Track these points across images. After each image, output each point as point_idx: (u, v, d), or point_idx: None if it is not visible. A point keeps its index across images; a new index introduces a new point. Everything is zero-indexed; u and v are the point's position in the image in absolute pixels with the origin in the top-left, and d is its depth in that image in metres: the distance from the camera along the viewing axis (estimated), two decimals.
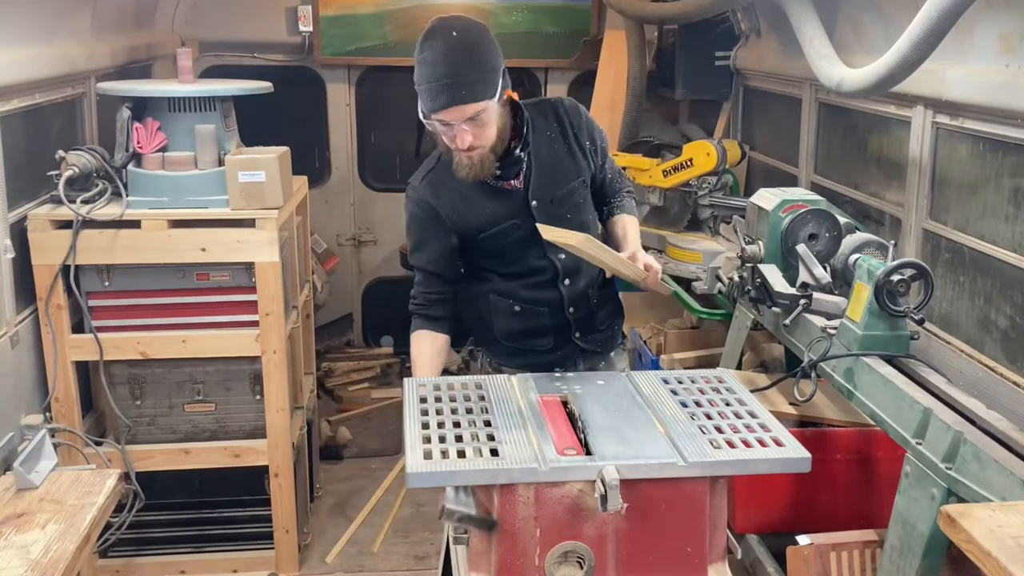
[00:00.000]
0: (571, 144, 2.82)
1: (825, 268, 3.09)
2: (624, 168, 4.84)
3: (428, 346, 2.79)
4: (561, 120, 2.81)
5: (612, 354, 3.02)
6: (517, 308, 2.84)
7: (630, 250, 2.75)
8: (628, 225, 2.90)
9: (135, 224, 3.51)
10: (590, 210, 2.90)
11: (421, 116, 2.54)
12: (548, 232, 2.56)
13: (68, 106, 3.93)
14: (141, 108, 3.64)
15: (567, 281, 2.82)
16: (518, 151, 2.71)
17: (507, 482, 2.08)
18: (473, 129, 2.50)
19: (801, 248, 3.12)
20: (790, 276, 3.14)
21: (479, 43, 2.54)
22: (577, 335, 2.89)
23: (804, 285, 3.02)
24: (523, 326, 2.86)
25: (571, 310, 2.85)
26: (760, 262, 3.26)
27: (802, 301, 2.97)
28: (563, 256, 2.76)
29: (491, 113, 2.53)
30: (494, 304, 2.86)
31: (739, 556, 2.39)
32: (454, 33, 2.49)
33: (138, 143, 3.59)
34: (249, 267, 3.62)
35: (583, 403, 2.44)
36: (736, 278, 3.45)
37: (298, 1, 5.63)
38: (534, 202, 2.74)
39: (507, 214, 2.74)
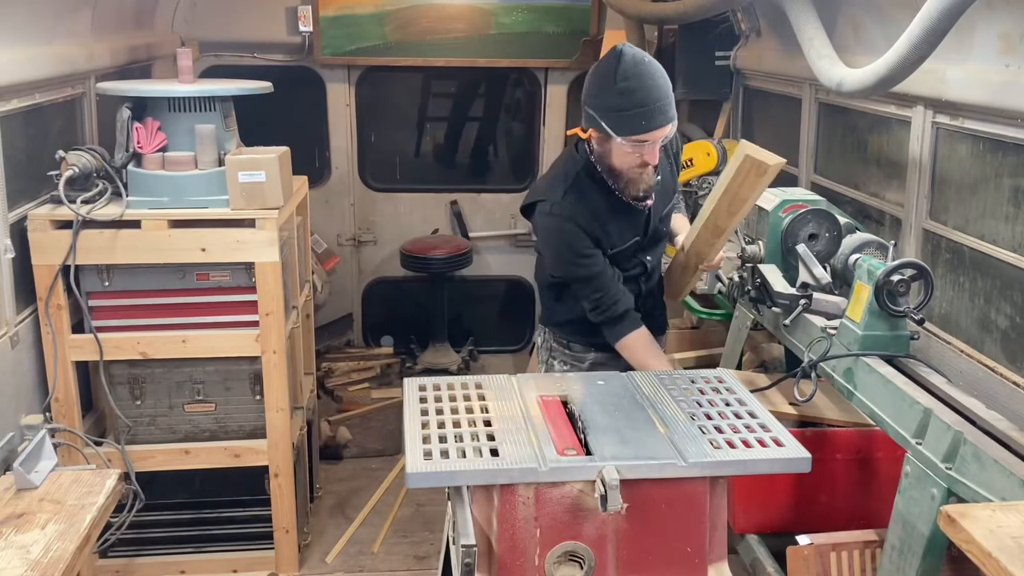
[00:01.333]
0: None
1: (825, 268, 3.09)
2: None
3: (650, 338, 3.03)
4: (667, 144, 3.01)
5: (663, 336, 3.34)
6: None
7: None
8: (679, 221, 3.32)
9: (135, 224, 3.51)
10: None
11: (613, 136, 2.74)
12: (750, 147, 2.86)
13: (68, 106, 3.93)
14: (141, 108, 3.64)
15: (645, 279, 3.15)
16: (658, 175, 2.96)
17: (507, 482, 2.08)
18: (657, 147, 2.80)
19: (801, 248, 3.12)
20: (790, 276, 3.14)
21: (662, 69, 2.78)
22: (645, 320, 3.13)
23: (804, 285, 3.02)
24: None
25: (643, 302, 3.13)
26: (760, 262, 3.26)
27: (802, 301, 2.97)
28: (649, 259, 3.12)
29: None
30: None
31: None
32: (646, 59, 2.75)
33: (138, 143, 3.59)
34: (249, 267, 3.62)
35: (583, 403, 2.44)
36: (736, 278, 3.45)
37: (298, 1, 5.63)
38: (656, 220, 3.06)
39: (632, 232, 3.02)
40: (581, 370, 3.21)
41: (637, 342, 3.00)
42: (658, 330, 3.22)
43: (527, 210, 3.06)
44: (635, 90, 2.68)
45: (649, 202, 2.99)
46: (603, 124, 2.74)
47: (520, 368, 5.97)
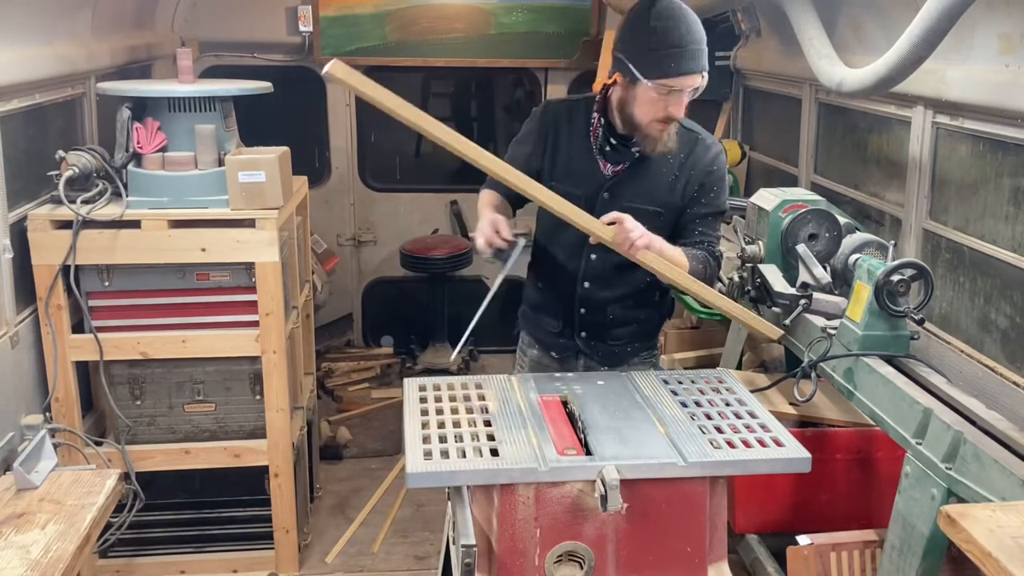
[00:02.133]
0: (680, 182, 2.81)
1: (825, 268, 3.09)
2: None
3: (490, 198, 2.90)
4: (696, 161, 2.81)
5: (617, 370, 2.95)
6: (540, 284, 3.04)
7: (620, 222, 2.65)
8: (667, 245, 2.72)
9: (135, 224, 3.51)
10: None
11: (639, 79, 2.57)
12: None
13: (68, 106, 3.93)
14: (141, 108, 3.64)
15: (586, 283, 2.90)
16: (637, 148, 2.76)
17: (507, 482, 2.08)
18: (684, 99, 2.62)
19: (801, 248, 3.12)
20: (790, 276, 3.14)
21: (698, 18, 2.62)
22: (583, 334, 2.97)
23: (804, 285, 3.02)
24: (540, 298, 3.05)
25: (582, 311, 2.94)
26: (760, 262, 3.26)
27: (802, 301, 2.97)
28: (594, 257, 2.85)
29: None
30: (529, 266, 3.07)
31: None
32: (684, 5, 2.59)
33: (138, 143, 3.58)
34: (249, 267, 3.62)
35: (583, 403, 2.45)
36: (736, 278, 3.45)
37: (298, 1, 5.63)
38: (606, 194, 2.81)
39: (583, 183, 2.81)
40: (523, 370, 3.13)
41: (484, 195, 2.93)
42: (604, 358, 2.98)
43: None
44: (669, 30, 2.53)
45: (616, 167, 2.79)
46: (630, 65, 2.58)
47: None
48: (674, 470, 2.12)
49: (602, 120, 2.80)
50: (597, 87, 5.47)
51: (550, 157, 2.86)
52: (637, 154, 2.78)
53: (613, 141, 2.79)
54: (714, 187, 2.84)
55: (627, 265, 2.70)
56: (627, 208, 2.68)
